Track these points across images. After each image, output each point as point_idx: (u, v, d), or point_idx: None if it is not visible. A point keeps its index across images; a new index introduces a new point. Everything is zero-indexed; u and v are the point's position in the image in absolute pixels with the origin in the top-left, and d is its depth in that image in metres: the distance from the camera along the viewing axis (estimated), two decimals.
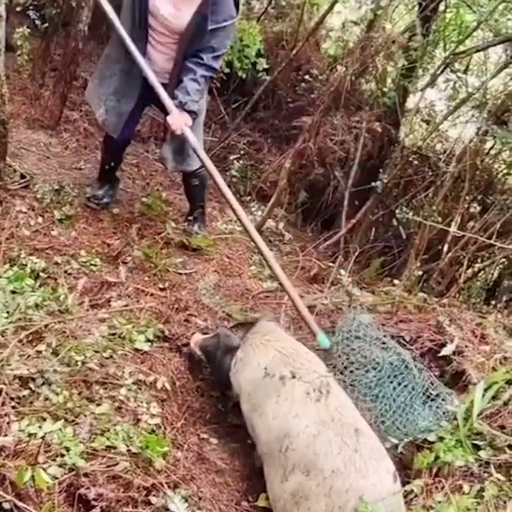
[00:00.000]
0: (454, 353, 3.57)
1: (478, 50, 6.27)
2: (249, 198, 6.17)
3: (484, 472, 2.79)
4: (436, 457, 2.93)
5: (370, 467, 2.75)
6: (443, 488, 2.78)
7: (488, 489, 2.63)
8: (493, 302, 5.85)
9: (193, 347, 3.73)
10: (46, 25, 5.74)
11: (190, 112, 4.36)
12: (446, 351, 3.60)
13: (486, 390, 3.10)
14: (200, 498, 3.02)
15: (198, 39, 4.31)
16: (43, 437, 2.65)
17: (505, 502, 2.64)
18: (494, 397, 3.06)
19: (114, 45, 4.52)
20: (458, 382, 3.44)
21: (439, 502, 2.68)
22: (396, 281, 4.64)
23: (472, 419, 2.95)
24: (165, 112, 4.39)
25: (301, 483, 2.83)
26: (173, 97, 4.34)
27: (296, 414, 2.99)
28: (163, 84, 4.37)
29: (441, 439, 2.99)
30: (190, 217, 5.08)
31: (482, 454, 2.85)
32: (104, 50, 4.74)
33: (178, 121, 4.31)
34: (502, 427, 2.95)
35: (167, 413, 3.38)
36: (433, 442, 3.07)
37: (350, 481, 2.72)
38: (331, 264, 5.35)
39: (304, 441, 2.90)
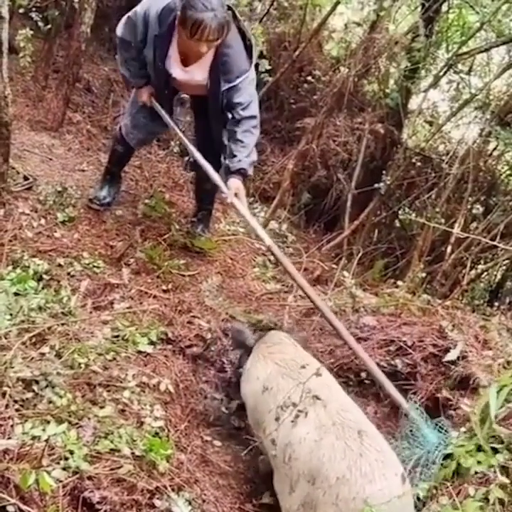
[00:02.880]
0: (457, 358, 3.55)
1: (481, 51, 6.27)
2: (252, 199, 6.16)
3: (502, 473, 2.76)
4: (458, 464, 2.88)
5: (377, 471, 2.64)
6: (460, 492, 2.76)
7: (493, 492, 2.61)
8: (496, 304, 5.85)
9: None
10: (49, 27, 5.76)
11: (238, 172, 4.16)
12: (450, 357, 3.58)
13: (497, 392, 3.07)
14: (203, 501, 3.01)
15: (217, 97, 4.21)
16: (46, 440, 2.63)
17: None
18: (506, 400, 3.03)
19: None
20: (466, 386, 3.42)
21: (444, 505, 2.66)
22: (399, 283, 4.63)
23: (490, 422, 2.91)
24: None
25: (308, 492, 2.74)
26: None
27: (295, 422, 2.90)
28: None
29: (460, 446, 2.95)
30: (194, 219, 5.07)
31: (499, 457, 2.81)
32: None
33: (228, 193, 4.09)
34: None
35: (170, 416, 3.38)
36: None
37: (356, 488, 2.61)
38: (334, 265, 5.36)
39: (306, 448, 2.81)
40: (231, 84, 4.12)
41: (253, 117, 4.25)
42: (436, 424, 3.23)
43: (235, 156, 4.17)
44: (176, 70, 4.23)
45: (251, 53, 4.20)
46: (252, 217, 4.09)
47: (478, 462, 2.82)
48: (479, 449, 2.87)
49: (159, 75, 4.28)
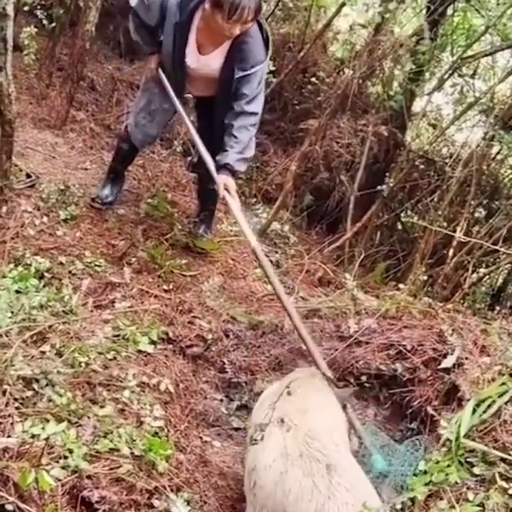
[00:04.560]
0: (453, 365, 3.55)
1: (486, 55, 6.26)
2: (254, 200, 6.16)
3: (480, 486, 2.77)
4: (431, 480, 2.89)
5: None
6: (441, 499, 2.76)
7: (493, 497, 2.62)
8: (497, 308, 5.84)
9: None
10: (53, 24, 5.76)
11: (224, 167, 4.19)
12: (445, 364, 3.58)
13: (478, 405, 3.08)
14: (202, 502, 3.01)
15: (228, 86, 4.21)
16: (46, 439, 2.63)
17: (510, 511, 2.63)
18: (486, 412, 3.04)
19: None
20: (454, 397, 3.41)
21: (443, 509, 2.66)
22: (401, 286, 4.62)
23: (460, 438, 2.94)
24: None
25: None
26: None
27: (263, 446, 2.73)
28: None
29: (436, 462, 2.96)
30: (196, 219, 5.07)
31: (476, 470, 2.83)
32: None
33: (220, 188, 4.14)
34: (496, 441, 2.93)
35: (170, 416, 3.38)
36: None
37: None
38: (335, 267, 5.35)
39: (271, 476, 2.61)
40: (245, 73, 4.13)
41: (253, 114, 4.27)
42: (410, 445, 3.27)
43: (225, 150, 4.21)
44: (191, 58, 4.23)
45: (268, 46, 4.21)
46: (241, 215, 4.12)
47: (446, 475, 2.82)
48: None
49: (175, 64, 4.28)
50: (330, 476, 2.52)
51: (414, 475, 2.98)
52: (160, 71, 4.44)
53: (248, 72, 4.14)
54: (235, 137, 4.22)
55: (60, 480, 2.56)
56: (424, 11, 6.38)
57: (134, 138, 4.76)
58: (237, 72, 4.14)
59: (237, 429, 3.64)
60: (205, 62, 4.23)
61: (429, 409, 3.48)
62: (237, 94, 4.19)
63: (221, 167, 4.19)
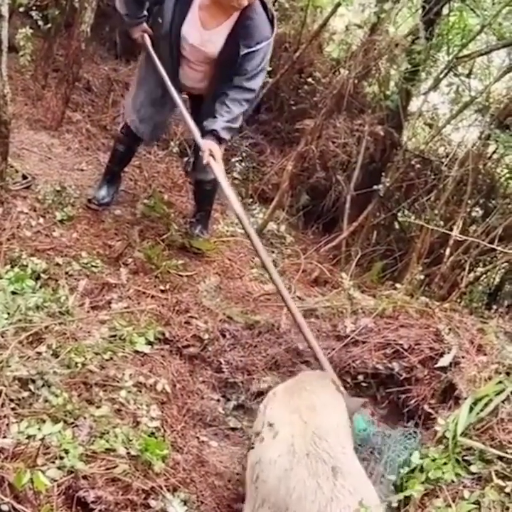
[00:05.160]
0: (450, 364, 3.55)
1: (481, 54, 6.26)
2: (251, 200, 6.16)
3: (477, 484, 2.78)
4: (427, 478, 2.89)
5: None
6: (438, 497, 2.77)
7: (489, 495, 2.62)
8: (494, 307, 5.84)
9: None
10: (49, 25, 5.74)
11: (211, 133, 4.21)
12: (442, 363, 3.58)
13: (475, 403, 3.09)
14: (199, 502, 3.01)
15: (231, 64, 4.20)
16: (42, 439, 2.63)
17: (508, 508, 2.63)
18: (483, 410, 3.05)
19: (146, 57, 4.51)
20: (451, 396, 3.41)
21: (439, 507, 2.67)
22: (398, 285, 4.62)
23: (456, 436, 2.95)
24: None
25: None
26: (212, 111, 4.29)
27: (268, 440, 2.78)
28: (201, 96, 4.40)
29: (433, 460, 2.97)
30: (193, 219, 5.07)
31: (473, 468, 2.83)
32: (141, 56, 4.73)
33: (205, 154, 4.14)
34: (493, 439, 2.94)
35: (167, 416, 3.37)
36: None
37: None
38: (332, 267, 5.36)
39: (275, 472, 2.63)
40: (250, 50, 4.13)
41: (251, 90, 4.29)
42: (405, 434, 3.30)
43: (214, 117, 4.23)
44: (194, 34, 4.21)
45: (273, 24, 4.21)
46: (225, 181, 4.15)
47: (443, 473, 2.83)
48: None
49: (171, 41, 4.26)
50: (335, 479, 2.54)
51: (411, 471, 2.99)
52: (146, 38, 4.40)
53: (253, 48, 4.13)
54: (227, 107, 4.23)
55: (55, 480, 2.55)
56: (419, 11, 6.37)
57: (141, 133, 4.76)
58: (242, 49, 4.12)
59: (234, 429, 3.64)
60: (208, 38, 4.20)
61: (426, 408, 3.48)
62: (240, 69, 4.20)
63: (207, 133, 4.21)
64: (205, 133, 4.22)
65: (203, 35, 4.21)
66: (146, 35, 4.41)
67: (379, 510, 2.62)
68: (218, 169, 4.15)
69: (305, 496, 2.51)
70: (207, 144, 4.17)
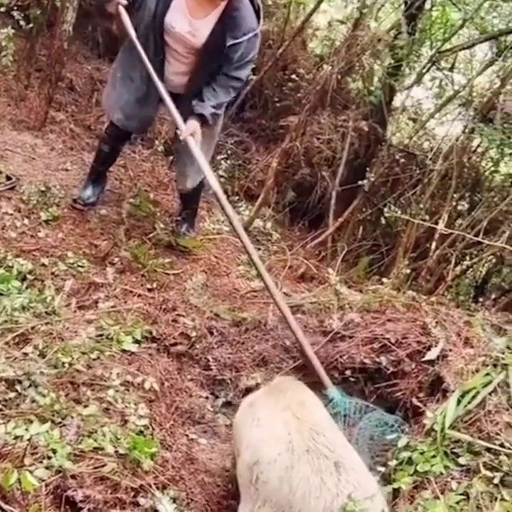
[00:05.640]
0: (438, 357, 3.56)
1: (463, 48, 6.29)
2: (237, 197, 6.15)
3: (465, 476, 2.79)
4: (416, 471, 2.91)
5: None
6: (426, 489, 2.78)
7: (476, 486, 2.64)
8: (481, 299, 5.87)
9: None
10: (31, 25, 5.70)
11: (199, 116, 4.25)
12: (429, 356, 3.59)
13: (463, 396, 3.11)
14: (189, 499, 3.01)
15: (217, 55, 4.22)
16: (29, 439, 2.63)
17: (494, 500, 2.65)
18: (470, 403, 3.07)
19: (129, 51, 4.45)
20: (438, 389, 3.43)
21: (427, 499, 2.68)
22: (384, 280, 4.63)
23: (445, 428, 2.96)
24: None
25: None
26: (188, 110, 4.28)
27: (267, 439, 2.75)
28: (178, 94, 4.38)
29: (421, 452, 2.98)
30: (179, 218, 5.06)
31: (461, 460, 2.85)
32: (119, 55, 4.69)
33: (184, 131, 4.19)
34: (480, 431, 2.95)
35: (155, 414, 3.38)
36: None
37: None
38: (318, 262, 5.36)
39: (276, 471, 2.60)
40: (236, 41, 4.16)
41: (238, 80, 4.34)
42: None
43: (202, 100, 4.25)
44: (181, 23, 4.20)
45: (259, 16, 4.23)
46: (202, 158, 4.19)
47: (431, 465, 2.84)
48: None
49: (155, 30, 4.24)
50: (338, 474, 2.54)
51: (400, 464, 3.00)
52: (121, 9, 4.27)
53: (239, 39, 4.16)
54: (215, 91, 4.28)
55: (43, 480, 2.55)
56: (402, 6, 6.38)
57: (130, 128, 4.79)
58: (228, 40, 4.15)
59: (223, 426, 3.64)
60: (198, 26, 4.19)
61: (415, 401, 3.50)
62: (227, 59, 4.23)
63: (196, 114, 4.25)
64: (191, 112, 4.25)
65: (192, 23, 4.20)
66: (120, 7, 4.26)
67: (383, 504, 2.64)
68: (196, 148, 4.19)
69: (309, 492, 2.51)
70: (193, 125, 4.22)
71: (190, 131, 4.19)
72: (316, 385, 3.49)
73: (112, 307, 3.96)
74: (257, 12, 4.21)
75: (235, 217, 4.09)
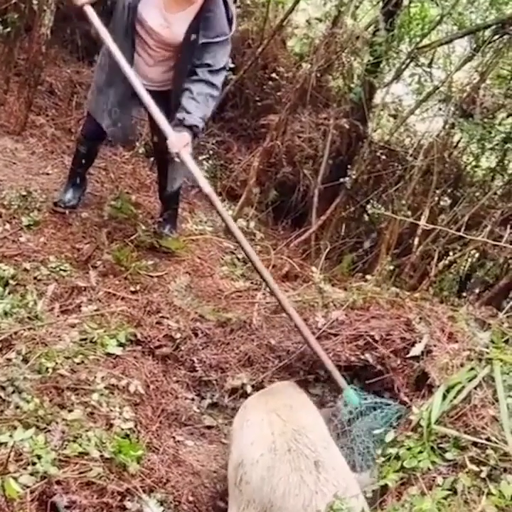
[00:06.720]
0: (422, 352, 3.57)
1: (442, 44, 6.30)
2: (219, 197, 6.14)
3: (452, 471, 2.80)
4: (403, 467, 2.92)
5: None
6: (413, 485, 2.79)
7: (462, 480, 2.64)
8: (464, 294, 5.89)
9: None
10: (8, 29, 5.68)
11: (190, 128, 4.18)
12: (414, 352, 3.60)
13: (448, 391, 3.12)
14: (176, 501, 3.01)
15: (191, 52, 4.22)
16: (13, 446, 2.61)
17: (481, 494, 2.65)
18: (456, 398, 3.08)
19: (109, 56, 4.36)
20: (424, 385, 3.44)
21: (414, 495, 2.68)
22: (368, 277, 4.64)
23: (431, 424, 2.97)
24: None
25: None
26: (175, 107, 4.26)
27: (252, 441, 2.78)
28: (167, 91, 4.37)
29: (408, 448, 2.99)
30: (161, 219, 5.05)
31: (448, 455, 2.86)
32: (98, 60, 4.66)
33: (175, 143, 4.09)
34: (466, 426, 2.96)
35: (141, 417, 3.36)
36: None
37: None
38: (302, 261, 5.37)
39: (258, 471, 2.64)
40: (208, 40, 4.19)
41: (215, 86, 4.29)
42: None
43: (189, 112, 4.19)
44: (155, 16, 4.20)
45: (231, 24, 4.26)
46: (195, 167, 4.18)
47: (418, 461, 2.85)
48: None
49: (127, 22, 4.22)
50: (318, 472, 2.57)
51: (387, 460, 3.00)
52: (88, 9, 4.16)
53: (211, 40, 4.19)
54: (197, 102, 4.22)
55: (28, 487, 2.54)
56: (381, 3, 6.40)
57: (118, 138, 4.87)
58: (200, 38, 4.18)
59: (209, 428, 3.65)
60: (171, 21, 4.19)
61: (402, 397, 3.51)
62: (201, 63, 4.23)
63: (187, 126, 4.18)
64: (182, 124, 4.18)
65: (167, 17, 4.20)
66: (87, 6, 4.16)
67: (360, 501, 2.63)
68: (189, 159, 4.15)
69: (289, 491, 2.53)
70: (186, 138, 4.13)
71: (182, 143, 4.11)
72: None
73: (96, 311, 3.94)
74: (230, 20, 4.24)
75: (230, 220, 4.07)
